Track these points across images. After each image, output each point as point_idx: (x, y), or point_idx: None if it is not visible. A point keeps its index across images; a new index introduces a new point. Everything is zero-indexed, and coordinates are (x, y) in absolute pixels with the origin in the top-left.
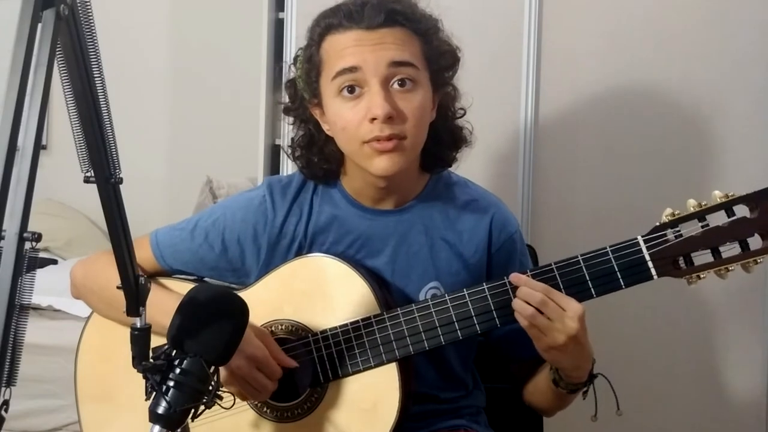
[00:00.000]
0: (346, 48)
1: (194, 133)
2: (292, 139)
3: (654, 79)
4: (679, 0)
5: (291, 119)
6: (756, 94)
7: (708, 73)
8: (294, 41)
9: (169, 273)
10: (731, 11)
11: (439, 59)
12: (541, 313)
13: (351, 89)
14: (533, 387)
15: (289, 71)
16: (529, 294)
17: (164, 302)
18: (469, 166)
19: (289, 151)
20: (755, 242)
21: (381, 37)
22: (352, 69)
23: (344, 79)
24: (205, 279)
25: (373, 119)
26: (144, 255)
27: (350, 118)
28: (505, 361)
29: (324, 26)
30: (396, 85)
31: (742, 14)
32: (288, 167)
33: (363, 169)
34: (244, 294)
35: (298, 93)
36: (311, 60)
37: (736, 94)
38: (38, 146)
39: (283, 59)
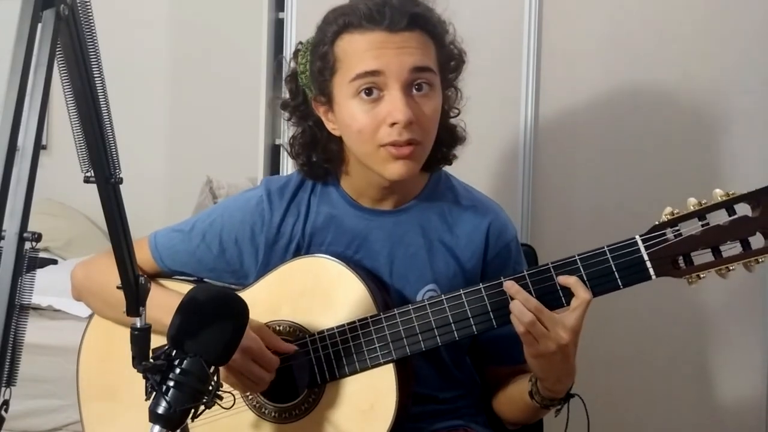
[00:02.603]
0: (368, 50)
1: (194, 133)
2: (293, 136)
3: (654, 79)
4: (679, 0)
5: (287, 115)
6: (756, 94)
7: (708, 73)
8: (294, 41)
9: (169, 274)
10: (731, 11)
11: (449, 63)
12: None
13: (369, 92)
14: (504, 396)
15: (289, 66)
16: (527, 299)
17: (166, 301)
18: (470, 166)
19: (289, 149)
20: (757, 241)
21: (404, 40)
22: (374, 73)
23: (364, 82)
24: (205, 280)
25: (393, 124)
26: (143, 257)
27: (368, 121)
28: (483, 363)
29: (341, 24)
30: (414, 90)
31: (742, 14)
32: (288, 167)
33: (371, 171)
34: (243, 294)
35: (300, 88)
36: (325, 58)
37: (736, 93)
38: (38, 146)
39: (284, 55)
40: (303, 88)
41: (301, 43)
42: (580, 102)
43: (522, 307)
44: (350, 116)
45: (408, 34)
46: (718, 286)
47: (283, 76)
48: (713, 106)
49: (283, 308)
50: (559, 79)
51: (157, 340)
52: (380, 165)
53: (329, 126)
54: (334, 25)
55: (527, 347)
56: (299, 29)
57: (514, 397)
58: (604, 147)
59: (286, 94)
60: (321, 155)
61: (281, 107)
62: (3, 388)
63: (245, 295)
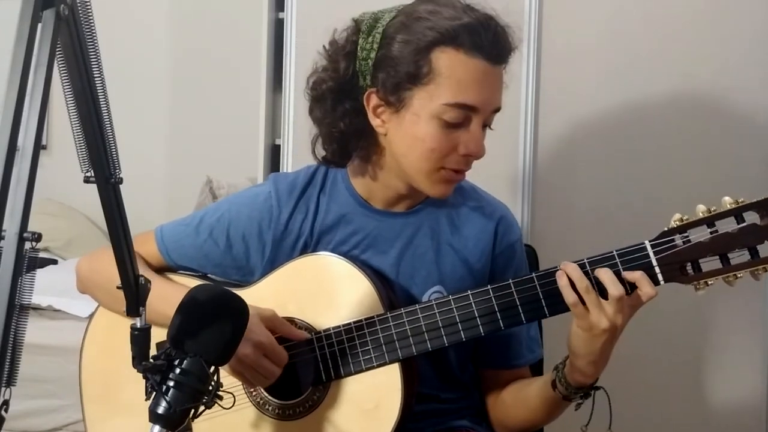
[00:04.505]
0: (472, 82)
1: (194, 133)
2: (334, 119)
3: (654, 79)
4: (679, 0)
5: (310, 85)
6: (756, 94)
7: (708, 73)
8: (294, 41)
9: (175, 269)
10: (731, 11)
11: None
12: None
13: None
14: (514, 398)
15: (346, 40)
16: (581, 276)
17: (171, 294)
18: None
19: (317, 126)
20: (765, 249)
21: (498, 77)
22: (472, 108)
23: (459, 113)
24: (210, 275)
25: (467, 155)
26: (150, 250)
27: (443, 145)
28: (479, 365)
29: (445, 35)
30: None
31: (742, 14)
32: (288, 167)
33: (407, 180)
34: (248, 291)
35: (353, 69)
36: (417, 64)
37: (736, 93)
38: (38, 146)
39: (284, 55)
40: (359, 73)
41: (364, 13)
42: (580, 102)
43: (579, 272)
44: (427, 134)
45: (500, 70)
46: (718, 287)
47: (284, 73)
48: (713, 106)
49: (289, 306)
50: (559, 80)
51: (162, 334)
52: (429, 183)
53: (375, 122)
54: (434, 32)
55: (577, 320)
56: (299, 29)
57: (527, 396)
58: (604, 147)
59: (324, 62)
60: (355, 143)
61: (311, 75)
62: (3, 388)
63: (251, 291)
